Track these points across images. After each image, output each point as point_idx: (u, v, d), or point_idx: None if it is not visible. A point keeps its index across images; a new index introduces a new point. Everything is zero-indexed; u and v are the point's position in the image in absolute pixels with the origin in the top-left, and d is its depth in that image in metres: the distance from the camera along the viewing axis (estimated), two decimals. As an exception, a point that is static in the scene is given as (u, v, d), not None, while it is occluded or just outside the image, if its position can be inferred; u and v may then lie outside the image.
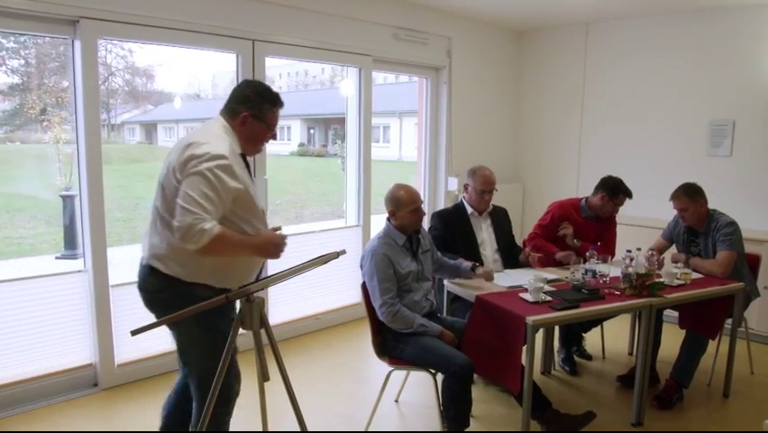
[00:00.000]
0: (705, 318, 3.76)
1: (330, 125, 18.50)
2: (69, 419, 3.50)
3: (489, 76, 6.37)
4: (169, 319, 2.04)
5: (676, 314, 3.98)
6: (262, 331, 2.11)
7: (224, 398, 2.38)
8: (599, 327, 4.39)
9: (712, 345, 3.90)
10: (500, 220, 4.16)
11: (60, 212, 7.04)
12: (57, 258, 6.59)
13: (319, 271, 2.93)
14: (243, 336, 2.31)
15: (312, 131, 19.33)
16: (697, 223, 3.99)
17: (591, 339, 4.53)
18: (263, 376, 2.12)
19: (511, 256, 4.08)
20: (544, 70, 6.52)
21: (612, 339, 4.63)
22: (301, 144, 18.88)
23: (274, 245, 2.42)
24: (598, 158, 5.95)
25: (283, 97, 2.52)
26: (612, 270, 3.67)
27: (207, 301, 2.03)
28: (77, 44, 3.57)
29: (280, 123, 2.59)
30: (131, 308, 3.78)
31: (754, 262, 4.27)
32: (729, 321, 3.90)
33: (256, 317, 2.09)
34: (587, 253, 3.70)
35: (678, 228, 4.17)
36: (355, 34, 4.99)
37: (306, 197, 13.54)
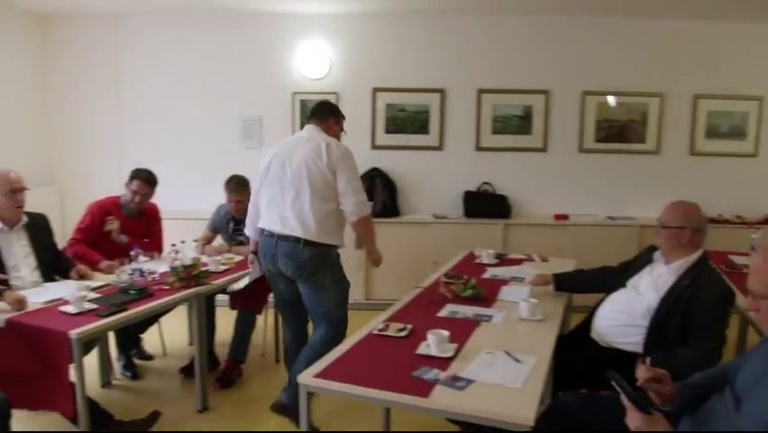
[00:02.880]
0: (251, 297, 4.07)
1: None
2: None
3: (5, 64, 5.57)
4: None
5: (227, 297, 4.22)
6: None
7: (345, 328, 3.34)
8: (157, 324, 4.34)
9: (261, 319, 4.29)
10: (39, 232, 3.50)
11: None
12: None
13: None
14: None
15: None
16: (241, 210, 4.27)
17: (150, 338, 4.45)
18: None
19: (58, 270, 3.55)
20: (75, 62, 5.97)
21: (171, 334, 4.63)
22: None
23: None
24: (141, 154, 5.81)
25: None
26: (161, 266, 3.66)
27: None
28: None
29: None
30: None
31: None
32: (272, 295, 4.33)
33: None
34: (131, 253, 3.59)
35: (221, 218, 4.41)
36: None
37: None
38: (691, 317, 2.54)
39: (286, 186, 3.23)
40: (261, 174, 3.39)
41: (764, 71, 5.81)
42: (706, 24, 5.72)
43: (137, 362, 4.25)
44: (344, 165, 3.22)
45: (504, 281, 3.60)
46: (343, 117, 3.62)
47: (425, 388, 2.04)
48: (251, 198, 3.56)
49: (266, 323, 4.43)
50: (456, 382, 2.07)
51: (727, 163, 5.96)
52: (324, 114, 3.49)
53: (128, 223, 4.07)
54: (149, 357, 4.40)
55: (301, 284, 3.32)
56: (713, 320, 2.51)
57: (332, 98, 5.83)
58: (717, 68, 5.81)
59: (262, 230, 3.36)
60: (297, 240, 3.18)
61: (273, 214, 3.28)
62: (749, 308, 1.61)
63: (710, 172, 5.95)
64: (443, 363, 2.25)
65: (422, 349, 2.35)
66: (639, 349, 2.64)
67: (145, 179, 4.05)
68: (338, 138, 3.48)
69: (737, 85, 5.83)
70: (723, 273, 3.40)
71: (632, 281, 2.91)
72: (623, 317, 2.75)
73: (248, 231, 3.58)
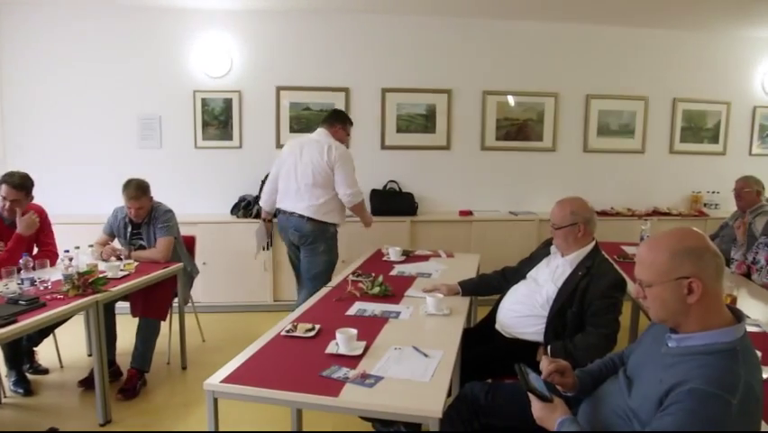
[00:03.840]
0: (154, 302, 3.93)
1: None
2: None
3: None
4: None
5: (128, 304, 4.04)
6: None
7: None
8: (52, 336, 4.10)
9: (166, 325, 4.14)
10: None
11: None
12: None
13: None
14: None
15: None
16: (142, 216, 4.10)
17: (45, 351, 4.20)
18: None
19: None
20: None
21: (68, 345, 4.39)
22: None
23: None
24: (28, 154, 5.47)
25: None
26: (54, 274, 3.46)
27: None
28: None
29: None
30: None
31: (190, 243, 4.68)
32: (177, 300, 4.19)
33: None
34: (20, 262, 3.36)
35: (118, 222, 4.21)
36: None
37: None
38: (587, 305, 2.68)
39: (298, 177, 4.27)
40: (279, 163, 4.44)
41: (649, 73, 6.21)
42: (596, 28, 6.05)
43: (30, 377, 3.98)
44: (341, 164, 4.20)
45: (411, 278, 3.65)
46: (350, 123, 4.57)
47: (334, 387, 2.03)
48: (270, 175, 4.55)
49: (171, 329, 4.27)
50: (365, 380, 2.08)
51: (618, 159, 6.34)
52: (333, 120, 4.43)
53: (10, 232, 3.76)
54: (44, 371, 4.13)
55: (302, 250, 4.37)
56: (607, 308, 2.66)
57: (234, 97, 5.75)
58: (607, 69, 6.16)
59: (279, 210, 4.44)
60: (302, 216, 4.23)
61: (289, 197, 4.33)
62: (637, 295, 1.72)
63: (602, 168, 6.31)
64: (352, 361, 2.25)
65: (331, 348, 2.35)
66: (540, 338, 2.76)
67: (14, 184, 3.71)
68: (344, 141, 4.44)
69: (625, 85, 6.21)
70: (616, 263, 3.61)
71: (531, 273, 3.04)
72: (524, 309, 2.86)
73: (262, 203, 4.68)
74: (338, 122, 4.43)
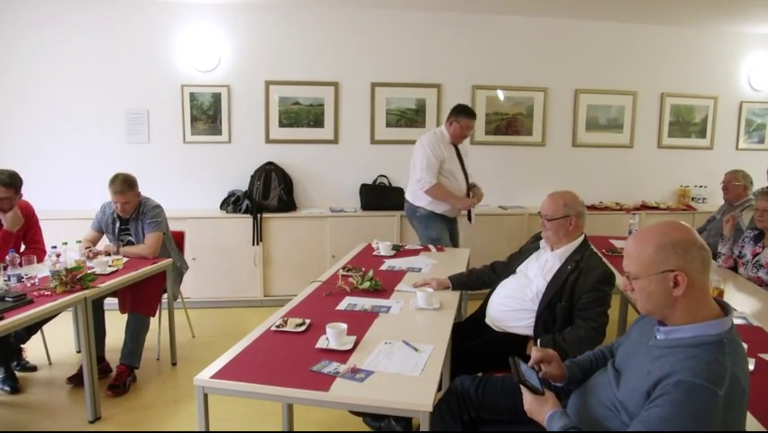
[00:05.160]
0: (143, 298, 3.91)
1: None
2: None
3: None
4: None
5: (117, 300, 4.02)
6: None
7: None
8: (40, 333, 4.07)
9: (155, 321, 4.12)
10: None
11: None
12: None
13: None
14: None
15: None
16: (129, 211, 4.07)
17: (33, 348, 4.17)
18: None
19: None
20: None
21: (57, 342, 4.37)
22: None
23: (466, 202, 4.75)
24: (14, 149, 5.42)
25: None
26: (42, 270, 3.43)
27: None
28: None
29: None
30: None
31: (179, 238, 4.66)
32: (166, 296, 4.18)
33: None
34: (7, 258, 3.33)
35: (107, 217, 4.18)
36: None
37: None
38: (576, 299, 2.70)
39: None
40: None
41: (638, 68, 6.24)
42: (585, 23, 6.06)
43: (18, 374, 3.95)
44: (415, 154, 4.73)
45: (401, 272, 3.65)
46: (466, 116, 4.67)
47: (325, 382, 2.03)
48: None
49: (160, 325, 4.26)
50: (356, 375, 2.08)
51: (606, 154, 6.36)
52: (448, 115, 4.77)
53: None
54: (32, 368, 4.10)
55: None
56: (596, 301, 2.68)
57: (223, 91, 5.72)
58: (596, 64, 6.18)
59: None
60: (405, 197, 4.99)
61: None
62: (624, 287, 1.73)
63: (591, 162, 6.34)
64: (342, 356, 2.25)
65: (321, 343, 2.35)
66: (530, 332, 2.77)
67: (3, 182, 3.69)
68: (458, 133, 4.70)
69: (614, 80, 6.23)
70: (604, 256, 3.63)
71: (521, 268, 3.05)
72: (514, 303, 2.87)
73: None
74: (451, 115, 4.73)
